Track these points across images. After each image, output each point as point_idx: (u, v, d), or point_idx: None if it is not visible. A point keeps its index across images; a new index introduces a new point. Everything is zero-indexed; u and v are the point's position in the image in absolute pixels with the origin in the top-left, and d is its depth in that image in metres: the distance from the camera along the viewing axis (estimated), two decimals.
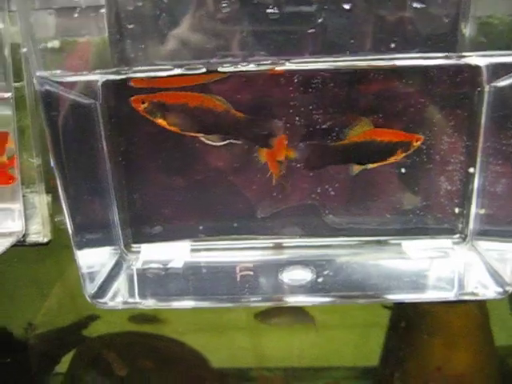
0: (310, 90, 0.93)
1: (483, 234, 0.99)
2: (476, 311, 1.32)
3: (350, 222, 1.04)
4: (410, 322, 1.38)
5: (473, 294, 0.89)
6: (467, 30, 0.85)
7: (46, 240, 1.13)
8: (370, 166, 0.98)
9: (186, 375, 1.51)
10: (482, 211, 0.99)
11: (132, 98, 0.91)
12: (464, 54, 0.85)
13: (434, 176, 1.00)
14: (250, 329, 1.38)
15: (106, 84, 0.93)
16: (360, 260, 1.01)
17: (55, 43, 0.87)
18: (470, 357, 1.33)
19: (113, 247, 1.00)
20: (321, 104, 0.95)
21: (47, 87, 0.81)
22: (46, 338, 1.49)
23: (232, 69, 0.80)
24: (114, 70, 0.87)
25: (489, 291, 0.89)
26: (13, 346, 1.45)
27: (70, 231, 0.83)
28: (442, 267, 0.97)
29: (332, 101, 0.95)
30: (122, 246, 1.02)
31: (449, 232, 1.03)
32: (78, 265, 0.86)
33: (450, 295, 0.89)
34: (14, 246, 1.06)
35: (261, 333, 1.37)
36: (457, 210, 1.02)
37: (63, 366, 1.49)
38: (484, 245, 0.99)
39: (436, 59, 0.85)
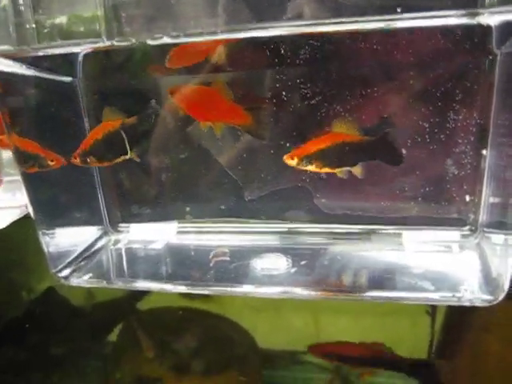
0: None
1: (495, 225, 0.85)
2: None
3: (344, 208, 0.95)
4: (466, 317, 1.26)
5: (457, 299, 0.77)
6: None
7: None
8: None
9: (231, 354, 1.49)
10: (495, 199, 0.85)
11: None
12: (479, 10, 0.71)
13: (439, 158, 0.88)
14: (309, 310, 1.33)
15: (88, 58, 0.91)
16: (347, 250, 0.91)
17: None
18: None
19: (92, 226, 1.00)
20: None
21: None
22: (102, 307, 1.55)
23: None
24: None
25: (477, 298, 0.76)
26: (73, 313, 1.52)
27: (30, 208, 0.83)
28: (439, 264, 0.85)
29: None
30: (107, 225, 1.02)
31: (458, 223, 0.90)
32: (41, 241, 0.85)
33: (435, 297, 0.78)
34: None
35: (319, 315, 1.32)
36: (467, 198, 0.89)
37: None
38: (496, 239, 0.85)
39: (444, 18, 0.72)
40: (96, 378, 1.56)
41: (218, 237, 1.00)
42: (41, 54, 0.83)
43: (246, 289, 0.84)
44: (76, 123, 0.95)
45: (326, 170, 0.87)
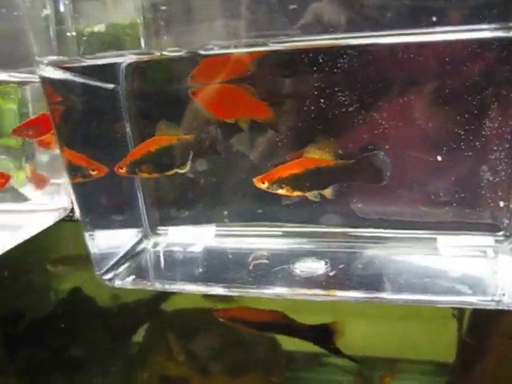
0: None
1: None
2: None
3: (379, 213, 0.97)
4: (491, 323, 1.27)
5: (496, 302, 0.78)
6: None
7: None
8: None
9: (256, 355, 1.51)
10: None
11: None
12: None
13: (474, 164, 0.90)
14: (331, 312, 1.34)
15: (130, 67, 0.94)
16: (382, 254, 0.94)
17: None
18: None
19: (133, 229, 1.03)
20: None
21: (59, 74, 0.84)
22: (127, 308, 1.57)
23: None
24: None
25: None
26: (99, 313, 1.55)
27: (78, 213, 0.86)
28: (474, 268, 0.87)
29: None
30: (147, 228, 1.04)
31: (492, 228, 0.92)
32: (88, 244, 0.88)
33: (473, 301, 0.79)
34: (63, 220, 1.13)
35: (342, 318, 1.33)
36: (501, 204, 0.91)
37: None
38: None
39: (481, 32, 0.74)
40: (121, 378, 1.58)
41: (255, 240, 1.03)
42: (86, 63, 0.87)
43: (285, 291, 0.87)
44: (118, 129, 0.98)
45: (297, 193, 0.90)
